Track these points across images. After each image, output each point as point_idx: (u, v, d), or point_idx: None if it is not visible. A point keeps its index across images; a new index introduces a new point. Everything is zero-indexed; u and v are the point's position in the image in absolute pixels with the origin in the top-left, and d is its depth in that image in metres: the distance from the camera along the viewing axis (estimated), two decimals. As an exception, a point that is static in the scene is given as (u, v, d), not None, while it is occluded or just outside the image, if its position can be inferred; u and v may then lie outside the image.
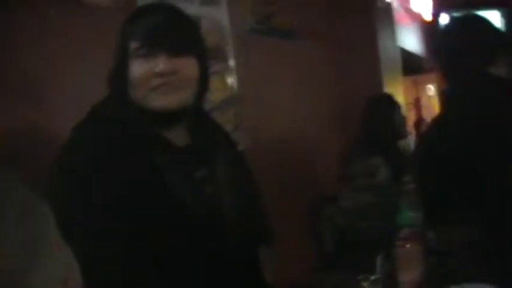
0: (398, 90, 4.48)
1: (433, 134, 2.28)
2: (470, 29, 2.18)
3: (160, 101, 1.51)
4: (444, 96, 2.37)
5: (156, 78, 1.49)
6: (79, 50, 2.14)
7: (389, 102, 3.53)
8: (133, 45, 1.52)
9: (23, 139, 1.92)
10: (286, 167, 3.31)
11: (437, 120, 2.30)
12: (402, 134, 3.48)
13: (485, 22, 2.21)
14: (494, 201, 1.89)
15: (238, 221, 1.59)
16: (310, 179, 3.55)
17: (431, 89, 6.77)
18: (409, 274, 1.71)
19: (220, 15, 2.95)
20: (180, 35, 1.54)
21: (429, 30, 6.42)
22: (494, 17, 5.91)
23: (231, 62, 2.95)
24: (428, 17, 6.44)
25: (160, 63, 1.49)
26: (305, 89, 3.66)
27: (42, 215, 1.20)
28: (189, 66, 1.55)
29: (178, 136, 1.58)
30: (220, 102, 2.80)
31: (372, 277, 1.68)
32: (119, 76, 1.54)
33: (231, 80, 2.93)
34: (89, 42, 2.17)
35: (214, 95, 2.73)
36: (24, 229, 1.16)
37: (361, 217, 3.06)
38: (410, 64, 5.51)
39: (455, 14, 6.08)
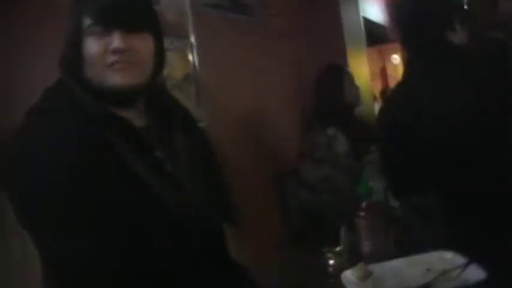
0: (362, 61, 4.48)
1: (393, 102, 2.29)
2: None
3: (116, 79, 1.47)
4: (404, 64, 2.39)
5: (111, 55, 1.46)
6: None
7: (338, 71, 3.50)
8: (86, 22, 1.48)
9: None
10: (248, 143, 3.31)
11: (397, 89, 2.31)
12: (355, 103, 3.44)
13: None
14: (453, 169, 1.91)
15: (201, 199, 1.58)
16: (274, 154, 3.54)
17: (396, 59, 6.80)
18: (372, 244, 1.72)
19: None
20: (135, 11, 1.51)
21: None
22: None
23: (192, 39, 2.91)
24: (391, -14, 6.43)
25: (115, 40, 1.46)
26: (267, 63, 3.64)
27: None
28: (144, 43, 1.52)
29: (136, 116, 1.55)
30: (182, 79, 2.77)
31: (337, 249, 1.69)
32: (73, 55, 1.50)
33: (192, 57, 2.90)
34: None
35: (176, 72, 2.70)
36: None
37: (322, 189, 3.06)
38: (375, 34, 5.50)
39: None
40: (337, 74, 3.44)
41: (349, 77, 3.47)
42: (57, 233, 1.35)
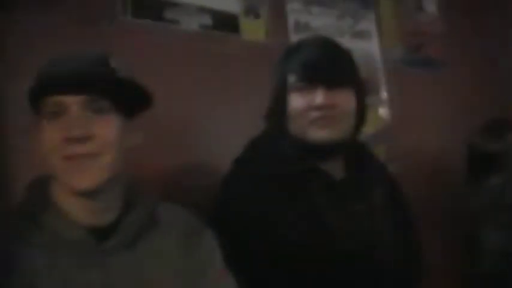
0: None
1: None
2: None
3: (319, 134, 1.52)
4: None
5: (315, 111, 1.52)
6: (233, 84, 2.22)
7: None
8: (291, 78, 1.55)
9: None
10: (435, 200, 3.21)
11: None
12: None
13: None
14: None
15: (395, 258, 1.57)
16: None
17: None
18: None
19: (371, 47, 2.94)
20: (337, 68, 1.55)
21: None
22: None
23: (383, 94, 2.92)
24: None
25: (319, 96, 1.51)
26: (456, 119, 3.55)
27: (208, 242, 1.27)
28: (346, 99, 1.56)
29: (335, 169, 1.59)
30: (373, 134, 2.78)
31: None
32: (278, 109, 1.57)
33: (383, 112, 2.91)
34: (245, 77, 2.24)
35: (367, 128, 2.72)
36: (192, 257, 1.22)
37: None
38: None
39: None
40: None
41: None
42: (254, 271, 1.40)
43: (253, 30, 2.34)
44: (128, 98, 1.16)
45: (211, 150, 2.09)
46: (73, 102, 1.11)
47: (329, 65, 1.55)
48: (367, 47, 2.90)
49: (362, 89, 1.64)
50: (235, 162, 1.60)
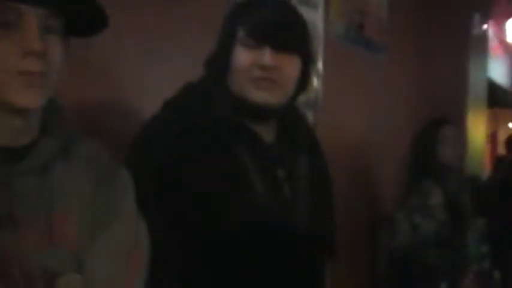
0: (480, 121, 4.37)
1: (501, 172, 2.26)
2: None
3: (259, 95, 1.50)
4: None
5: (259, 70, 1.49)
6: (170, 28, 2.14)
7: (435, 128, 3.21)
8: (240, 32, 1.51)
9: (103, 111, 1.92)
10: (353, 180, 3.27)
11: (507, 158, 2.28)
12: (450, 163, 3.04)
13: None
14: None
15: (309, 228, 1.57)
16: (375, 196, 3.48)
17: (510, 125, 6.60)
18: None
19: (315, 16, 2.93)
20: (289, 32, 1.53)
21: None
22: None
23: (319, 65, 2.93)
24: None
25: (266, 57, 1.47)
26: (385, 106, 3.61)
27: (121, 184, 1.23)
28: (292, 64, 1.54)
29: (265, 131, 1.57)
30: (303, 102, 2.78)
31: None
32: (221, 60, 1.54)
33: (316, 83, 2.91)
34: (182, 21, 2.17)
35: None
36: (101, 197, 1.19)
37: (417, 244, 2.93)
38: (495, 96, 5.37)
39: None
40: (433, 131, 3.19)
41: (449, 135, 3.18)
42: (170, 230, 1.38)
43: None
44: (80, 18, 1.09)
45: (138, 90, 2.01)
46: (33, 13, 1.01)
47: (282, 27, 1.51)
48: (311, 16, 2.87)
49: (309, 57, 1.62)
50: (165, 104, 1.56)
